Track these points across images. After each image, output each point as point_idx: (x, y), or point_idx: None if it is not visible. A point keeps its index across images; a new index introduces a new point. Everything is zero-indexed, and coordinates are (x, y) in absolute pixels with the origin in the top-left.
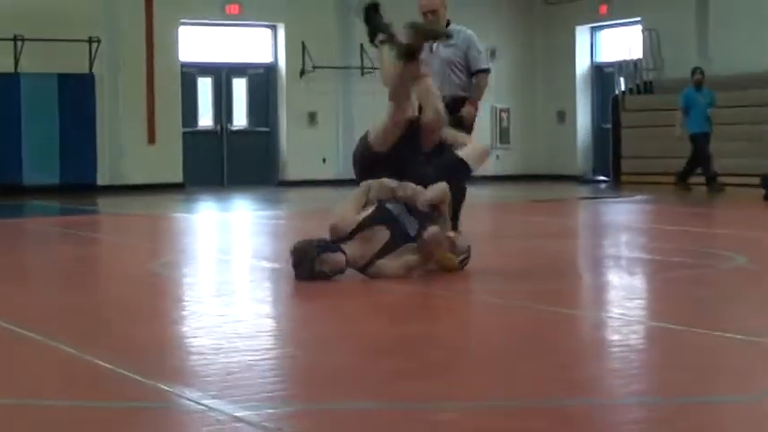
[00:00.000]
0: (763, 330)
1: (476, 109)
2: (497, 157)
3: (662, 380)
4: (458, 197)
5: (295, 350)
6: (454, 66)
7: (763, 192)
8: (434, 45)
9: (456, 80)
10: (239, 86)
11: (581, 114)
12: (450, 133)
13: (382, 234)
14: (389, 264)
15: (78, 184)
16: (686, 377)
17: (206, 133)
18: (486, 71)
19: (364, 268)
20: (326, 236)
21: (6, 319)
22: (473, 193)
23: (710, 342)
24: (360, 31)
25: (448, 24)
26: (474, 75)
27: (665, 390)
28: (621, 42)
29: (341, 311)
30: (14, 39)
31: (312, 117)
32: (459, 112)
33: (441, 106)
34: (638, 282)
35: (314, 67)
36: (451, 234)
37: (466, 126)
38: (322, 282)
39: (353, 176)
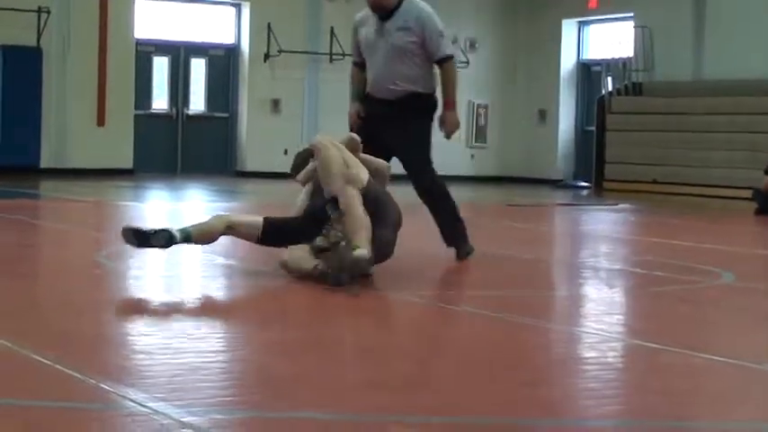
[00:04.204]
0: (747, 353)
1: (455, 111)
2: (472, 156)
3: (637, 402)
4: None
5: (249, 353)
6: (405, 54)
7: (754, 205)
8: (381, 26)
9: (408, 72)
10: (198, 68)
11: (564, 115)
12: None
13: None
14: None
15: (19, 166)
16: (663, 400)
17: (160, 117)
18: (452, 58)
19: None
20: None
21: None
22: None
23: (691, 364)
24: (330, 14)
25: (400, 2)
26: (438, 64)
27: (640, 413)
28: (611, 39)
29: (300, 315)
30: None
31: (275, 104)
32: (415, 111)
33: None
34: (617, 296)
35: (279, 51)
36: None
37: (448, 137)
38: (280, 282)
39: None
